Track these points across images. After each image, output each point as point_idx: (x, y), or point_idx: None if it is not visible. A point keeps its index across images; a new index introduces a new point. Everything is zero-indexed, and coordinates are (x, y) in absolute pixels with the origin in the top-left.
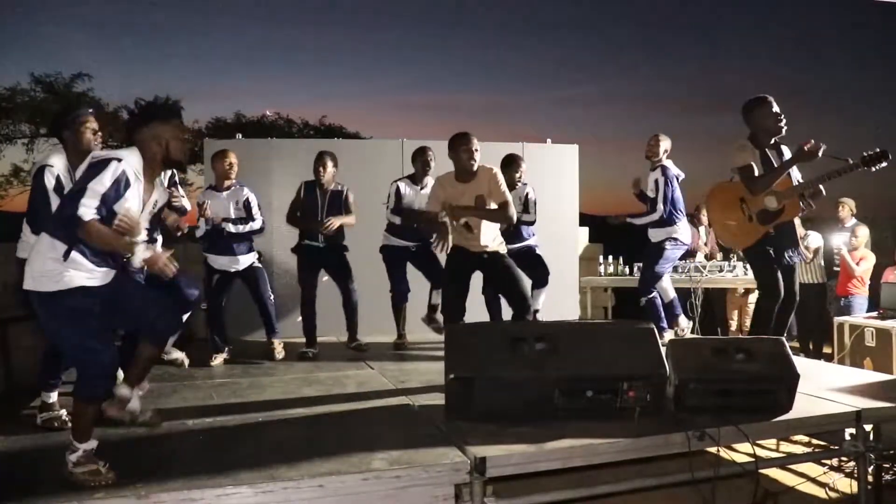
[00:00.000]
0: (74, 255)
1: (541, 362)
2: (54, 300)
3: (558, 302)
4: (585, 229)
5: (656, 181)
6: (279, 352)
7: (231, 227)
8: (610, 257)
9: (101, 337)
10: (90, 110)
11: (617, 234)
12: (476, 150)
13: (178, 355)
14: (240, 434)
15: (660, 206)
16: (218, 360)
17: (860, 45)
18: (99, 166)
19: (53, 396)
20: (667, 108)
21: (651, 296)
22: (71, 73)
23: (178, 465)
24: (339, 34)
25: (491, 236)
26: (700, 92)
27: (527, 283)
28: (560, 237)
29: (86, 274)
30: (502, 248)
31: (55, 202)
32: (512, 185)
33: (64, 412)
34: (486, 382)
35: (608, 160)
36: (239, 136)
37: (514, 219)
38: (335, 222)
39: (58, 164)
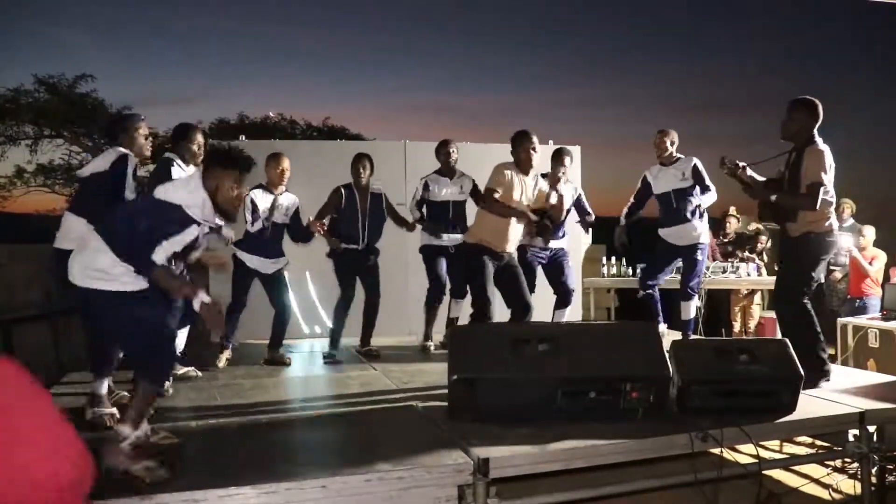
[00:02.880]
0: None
1: (543, 363)
2: (134, 297)
3: None
4: (588, 230)
5: (695, 165)
6: (288, 359)
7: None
8: (613, 258)
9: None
10: (142, 116)
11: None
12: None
13: (188, 369)
14: (243, 435)
15: (711, 185)
16: (223, 359)
17: (857, 48)
18: (185, 223)
19: (105, 387)
20: (669, 108)
21: (650, 291)
22: (74, 74)
23: (181, 466)
24: (342, 35)
25: (516, 238)
26: (702, 93)
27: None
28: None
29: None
30: (515, 251)
31: (129, 192)
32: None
33: (115, 410)
34: (488, 383)
35: (611, 161)
36: (242, 137)
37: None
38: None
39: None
